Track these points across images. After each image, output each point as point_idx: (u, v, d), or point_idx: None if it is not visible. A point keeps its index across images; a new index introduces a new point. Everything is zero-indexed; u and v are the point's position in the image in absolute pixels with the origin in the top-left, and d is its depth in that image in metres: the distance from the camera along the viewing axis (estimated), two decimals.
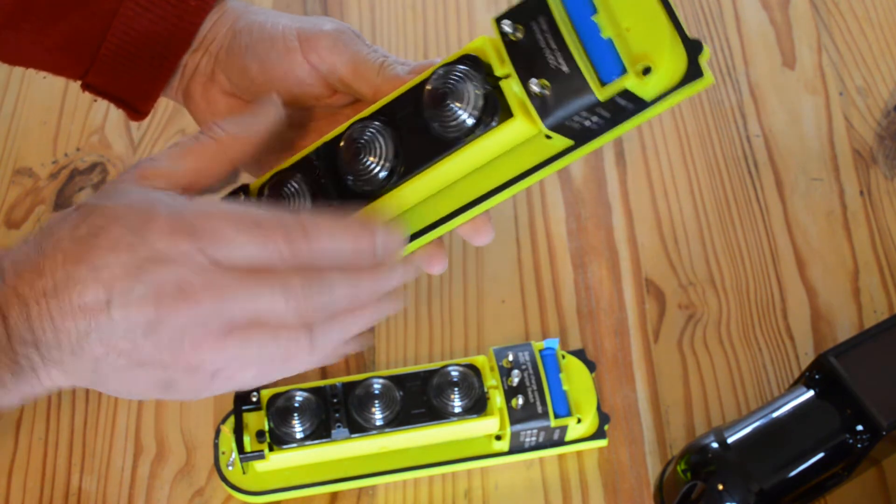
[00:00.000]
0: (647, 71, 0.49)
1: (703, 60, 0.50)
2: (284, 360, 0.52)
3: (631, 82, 0.49)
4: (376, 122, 0.55)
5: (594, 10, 0.50)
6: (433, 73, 0.54)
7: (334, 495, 0.69)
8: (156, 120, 0.86)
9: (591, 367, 0.71)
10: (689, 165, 0.83)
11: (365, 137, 0.55)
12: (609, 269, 0.78)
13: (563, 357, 0.70)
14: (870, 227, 0.79)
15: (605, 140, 0.53)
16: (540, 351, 0.69)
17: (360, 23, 0.91)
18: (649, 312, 0.76)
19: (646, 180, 0.82)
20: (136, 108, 0.65)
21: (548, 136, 0.53)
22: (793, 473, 0.64)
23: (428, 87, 0.54)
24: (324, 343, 0.52)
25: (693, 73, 0.49)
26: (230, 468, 0.68)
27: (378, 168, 0.55)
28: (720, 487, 0.62)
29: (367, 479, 0.69)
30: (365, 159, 0.55)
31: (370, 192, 0.55)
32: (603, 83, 0.50)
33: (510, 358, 0.69)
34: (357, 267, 0.52)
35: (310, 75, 0.60)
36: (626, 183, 0.82)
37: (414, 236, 0.58)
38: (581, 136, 0.53)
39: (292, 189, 0.57)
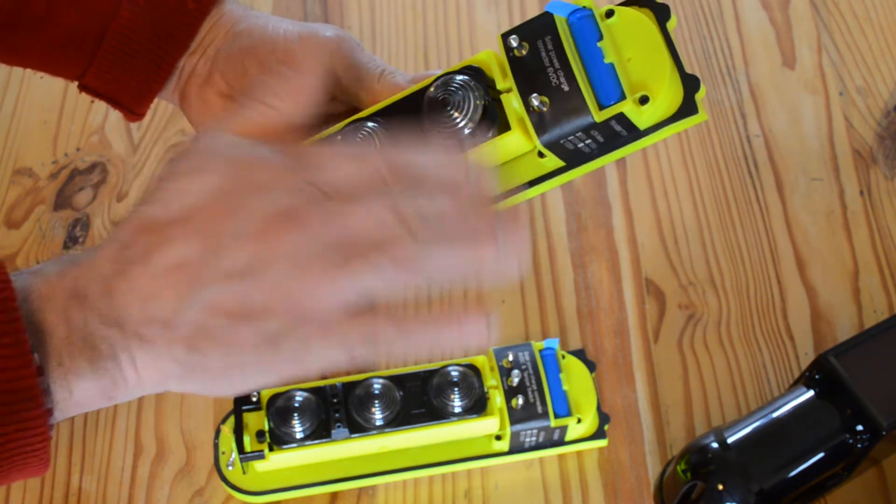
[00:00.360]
0: (644, 100, 0.50)
1: (699, 97, 0.51)
2: (395, 274, 0.47)
3: (628, 108, 0.50)
4: (372, 124, 0.55)
5: (600, 37, 0.51)
6: (435, 80, 0.54)
7: (334, 495, 0.69)
8: (156, 120, 0.86)
9: (591, 367, 0.71)
10: (689, 165, 0.83)
11: (359, 138, 0.55)
12: (609, 269, 0.78)
13: (563, 357, 0.70)
14: (870, 227, 0.79)
15: (597, 165, 0.54)
16: (540, 351, 0.69)
17: (361, 23, 0.91)
18: (649, 312, 0.76)
19: (646, 180, 0.82)
20: (133, 109, 0.65)
21: (541, 155, 0.54)
22: (793, 473, 0.64)
23: (429, 93, 0.54)
24: (433, 259, 0.47)
25: (688, 108, 0.51)
26: (230, 468, 0.68)
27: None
28: (720, 487, 0.62)
29: (367, 479, 0.69)
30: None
31: None
32: (601, 106, 0.51)
33: (510, 358, 0.69)
34: (456, 187, 0.49)
35: None
36: (626, 183, 0.82)
37: None
38: (573, 158, 0.54)
39: None
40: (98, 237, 0.80)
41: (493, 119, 0.53)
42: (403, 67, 0.89)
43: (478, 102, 0.53)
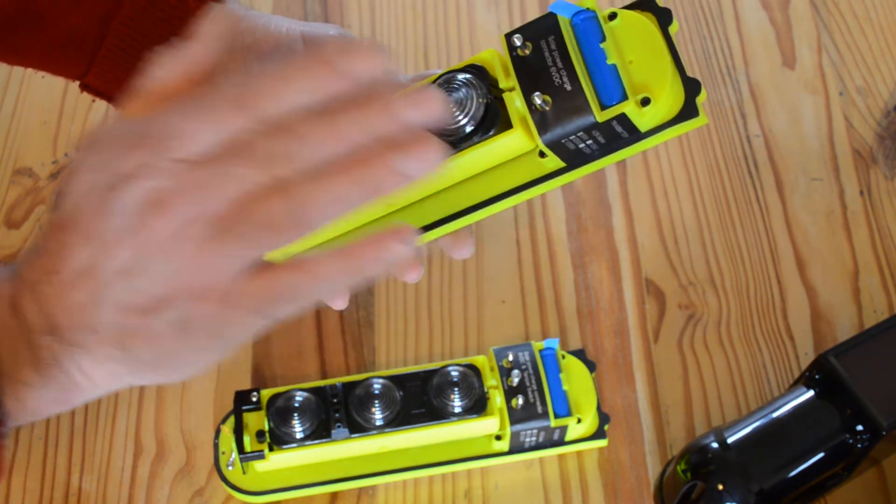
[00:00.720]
0: (645, 102, 0.50)
1: (700, 101, 0.51)
2: (273, 235, 0.45)
3: (630, 109, 0.50)
4: None
5: (603, 38, 0.51)
6: (437, 78, 0.54)
7: (334, 495, 0.69)
8: None
9: (591, 367, 0.71)
10: (689, 165, 0.83)
11: None
12: (609, 269, 0.78)
13: (563, 357, 0.70)
14: (870, 227, 0.79)
15: (597, 167, 0.54)
16: (540, 351, 0.69)
17: (361, 23, 0.91)
18: (649, 312, 0.76)
19: (646, 180, 0.82)
20: None
21: (542, 155, 0.54)
22: (793, 473, 0.64)
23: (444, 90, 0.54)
24: (316, 203, 0.44)
25: (689, 111, 0.51)
26: (230, 468, 0.68)
27: None
28: (720, 487, 0.62)
29: (367, 479, 0.69)
30: None
31: None
32: (603, 106, 0.51)
33: (510, 358, 0.69)
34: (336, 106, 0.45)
35: None
36: (626, 183, 0.82)
37: None
38: (574, 158, 0.54)
39: None
40: None
41: (496, 118, 0.53)
42: (403, 67, 0.89)
43: (480, 101, 0.53)
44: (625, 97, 0.51)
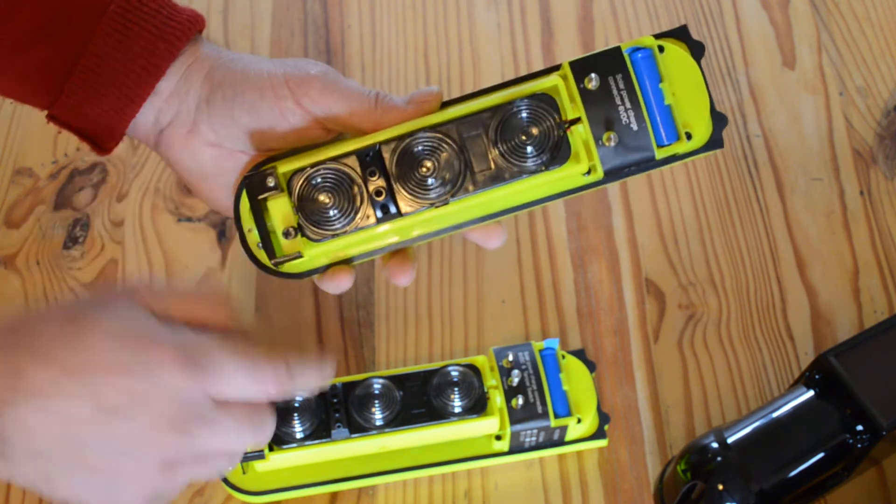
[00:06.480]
0: (689, 136, 0.56)
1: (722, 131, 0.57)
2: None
3: (682, 147, 0.56)
4: (446, 138, 0.57)
5: (661, 79, 0.56)
6: (511, 103, 0.56)
7: (334, 495, 0.69)
8: None
9: (591, 367, 0.71)
10: (689, 165, 0.83)
11: (431, 150, 0.57)
12: (609, 269, 0.78)
13: (563, 357, 0.70)
14: (870, 227, 0.79)
15: (626, 178, 0.58)
16: (540, 351, 0.69)
17: (361, 23, 0.91)
18: (649, 312, 0.76)
19: (646, 180, 0.82)
20: (101, 144, 0.63)
21: (587, 173, 0.57)
22: (793, 473, 0.64)
23: (504, 115, 0.56)
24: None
25: (715, 142, 0.57)
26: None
27: (435, 183, 0.56)
28: (720, 487, 0.62)
29: (367, 479, 0.69)
30: (427, 175, 0.56)
31: (417, 198, 0.57)
32: (659, 145, 0.56)
33: (510, 358, 0.69)
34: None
35: (304, 120, 0.59)
36: (626, 183, 0.82)
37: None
38: (611, 175, 0.57)
39: (344, 179, 0.57)
40: (98, 237, 0.80)
41: (563, 148, 0.56)
42: (403, 67, 0.89)
43: (557, 132, 0.56)
44: (677, 137, 0.56)
